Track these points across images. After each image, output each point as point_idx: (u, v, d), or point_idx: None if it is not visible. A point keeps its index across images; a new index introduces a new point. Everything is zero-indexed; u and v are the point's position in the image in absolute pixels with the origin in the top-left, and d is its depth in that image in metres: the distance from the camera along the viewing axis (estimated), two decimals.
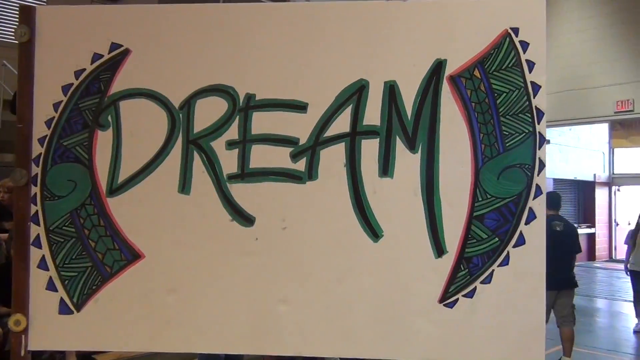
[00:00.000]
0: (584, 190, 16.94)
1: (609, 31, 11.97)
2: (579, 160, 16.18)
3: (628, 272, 7.80)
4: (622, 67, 11.73)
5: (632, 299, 8.08)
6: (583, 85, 12.14)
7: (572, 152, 15.90)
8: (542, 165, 1.73)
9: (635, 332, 7.77)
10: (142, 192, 1.81)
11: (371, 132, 1.78)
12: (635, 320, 7.87)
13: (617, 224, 17.24)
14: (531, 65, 1.74)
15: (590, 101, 12.13)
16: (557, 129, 14.10)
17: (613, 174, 17.32)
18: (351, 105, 1.78)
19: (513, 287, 1.72)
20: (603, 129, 16.86)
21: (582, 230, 16.28)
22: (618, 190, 17.39)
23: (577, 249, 5.96)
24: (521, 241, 1.72)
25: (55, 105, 1.82)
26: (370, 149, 1.77)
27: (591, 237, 16.53)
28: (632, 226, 8.19)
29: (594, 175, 16.81)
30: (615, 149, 17.22)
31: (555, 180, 15.08)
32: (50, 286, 1.80)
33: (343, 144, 1.78)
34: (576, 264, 6.05)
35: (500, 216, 1.73)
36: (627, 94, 11.61)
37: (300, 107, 1.79)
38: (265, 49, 1.81)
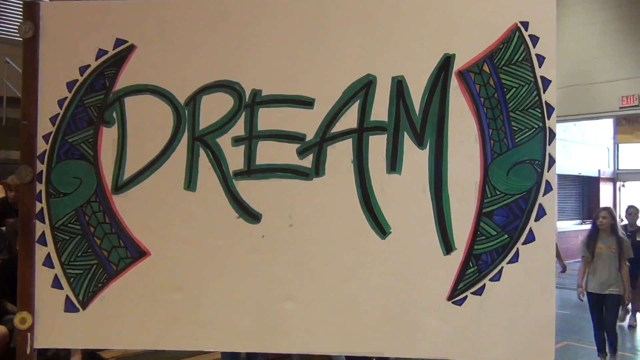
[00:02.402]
0: (588, 186, 16.86)
1: (615, 25, 11.86)
2: (584, 155, 16.09)
3: (583, 297, 5.48)
4: (628, 62, 11.62)
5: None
6: (588, 81, 12.05)
7: (576, 147, 15.81)
8: (552, 161, 1.71)
9: None
10: (148, 189, 1.80)
11: (379, 128, 1.76)
12: None
13: (622, 220, 17.16)
14: (541, 59, 1.72)
15: (595, 96, 12.04)
16: (561, 125, 14.00)
17: (618, 169, 17.23)
18: (358, 101, 1.76)
19: (523, 284, 1.70)
20: (608, 124, 16.76)
21: (587, 226, 16.20)
22: (623, 186, 17.28)
23: None
24: (531, 238, 1.70)
25: (60, 102, 1.81)
26: (377, 145, 1.75)
27: None
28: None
29: (599, 170, 16.71)
30: (620, 145, 17.13)
31: (559, 176, 15.01)
32: (56, 284, 1.79)
33: (350, 140, 1.76)
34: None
35: (509, 213, 1.71)
36: (632, 89, 11.52)
37: (307, 102, 1.78)
38: (271, 45, 1.80)
